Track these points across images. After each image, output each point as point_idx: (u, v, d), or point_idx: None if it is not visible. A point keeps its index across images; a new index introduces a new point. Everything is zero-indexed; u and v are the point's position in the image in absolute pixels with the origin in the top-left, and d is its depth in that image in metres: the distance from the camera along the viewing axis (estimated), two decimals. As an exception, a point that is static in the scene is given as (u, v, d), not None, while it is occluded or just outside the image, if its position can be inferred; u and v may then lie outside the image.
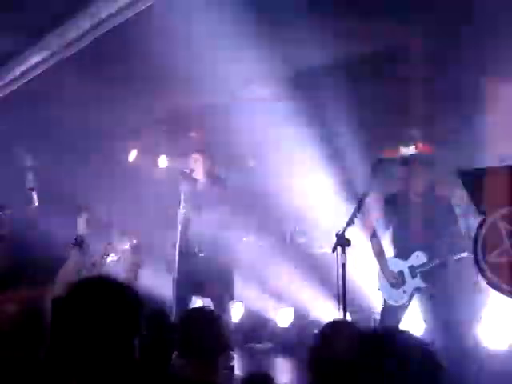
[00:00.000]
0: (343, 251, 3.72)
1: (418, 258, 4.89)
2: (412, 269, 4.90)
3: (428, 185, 4.92)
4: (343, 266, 3.70)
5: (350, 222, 3.90)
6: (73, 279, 3.25)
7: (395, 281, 4.93)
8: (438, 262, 4.77)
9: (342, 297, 3.62)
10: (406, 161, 5.09)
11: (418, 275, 4.87)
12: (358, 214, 3.98)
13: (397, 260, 5.04)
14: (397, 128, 7.30)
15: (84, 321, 1.56)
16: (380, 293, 5.18)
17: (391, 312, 5.03)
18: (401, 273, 4.96)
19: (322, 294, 7.17)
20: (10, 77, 5.53)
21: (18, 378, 2.12)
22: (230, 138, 8.45)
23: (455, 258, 4.82)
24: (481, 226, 2.94)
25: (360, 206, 4.00)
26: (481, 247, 2.91)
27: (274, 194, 8.97)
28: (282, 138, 8.46)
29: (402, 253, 5.00)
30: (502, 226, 2.82)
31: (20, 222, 6.88)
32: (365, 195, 4.04)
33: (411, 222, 4.92)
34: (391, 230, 5.10)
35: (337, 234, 3.82)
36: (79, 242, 3.45)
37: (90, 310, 1.57)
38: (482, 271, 2.91)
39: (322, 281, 7.32)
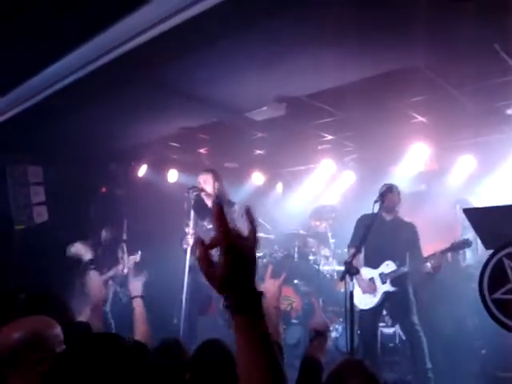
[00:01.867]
0: (351, 279, 3.77)
1: (388, 266, 5.76)
2: (382, 275, 5.76)
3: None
4: (351, 293, 3.74)
5: (358, 251, 3.94)
6: (101, 296, 3.41)
7: (369, 288, 5.78)
8: (405, 270, 5.63)
9: (350, 325, 3.66)
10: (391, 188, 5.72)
11: (388, 281, 5.72)
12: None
13: (368, 269, 5.89)
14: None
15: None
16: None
17: (367, 316, 5.81)
18: (371, 279, 5.83)
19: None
20: (30, 92, 5.60)
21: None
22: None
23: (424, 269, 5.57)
24: (487, 263, 2.98)
25: (367, 233, 4.04)
26: (487, 284, 2.95)
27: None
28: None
29: (373, 262, 5.87)
30: (508, 265, 2.86)
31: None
32: (372, 223, 4.08)
33: (383, 237, 5.68)
34: (364, 244, 5.48)
35: (345, 262, 3.88)
36: (93, 265, 3.57)
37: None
38: (487, 308, 2.94)
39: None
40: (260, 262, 7.74)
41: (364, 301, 5.81)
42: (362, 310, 5.78)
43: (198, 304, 5.91)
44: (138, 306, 3.62)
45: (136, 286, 3.73)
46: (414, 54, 4.74)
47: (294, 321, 7.47)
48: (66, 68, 5.02)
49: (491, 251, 3.09)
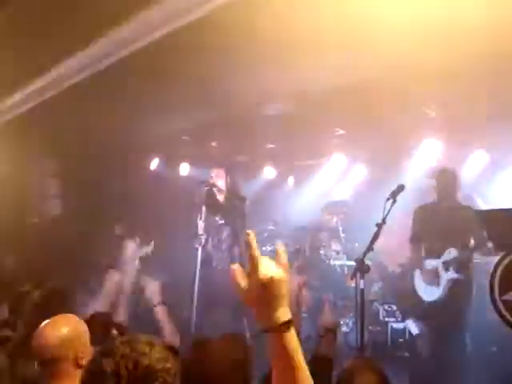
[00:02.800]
0: (362, 277, 3.79)
1: (451, 253, 5.41)
2: (445, 263, 5.44)
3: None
4: (362, 291, 3.77)
5: (369, 249, 3.96)
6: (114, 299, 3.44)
7: (432, 280, 5.52)
8: (468, 254, 5.36)
9: (361, 322, 3.69)
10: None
11: (451, 268, 5.39)
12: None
13: (430, 260, 5.61)
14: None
15: None
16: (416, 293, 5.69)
17: (434, 310, 5.51)
18: (436, 270, 5.53)
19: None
20: (42, 86, 5.66)
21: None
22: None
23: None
24: (498, 264, 2.99)
25: (379, 232, 4.05)
26: (497, 285, 2.97)
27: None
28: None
29: (435, 252, 5.57)
30: (518, 267, 2.88)
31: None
32: (384, 222, 4.09)
33: (442, 225, 5.50)
34: (424, 235, 5.71)
35: (356, 260, 3.90)
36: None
37: None
38: (497, 308, 2.96)
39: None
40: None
41: (429, 291, 5.62)
42: (429, 303, 5.62)
43: (209, 297, 5.95)
44: (162, 314, 3.59)
45: (154, 290, 3.71)
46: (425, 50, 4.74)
47: (304, 315, 7.50)
48: (83, 62, 5.07)
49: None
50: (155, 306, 3.66)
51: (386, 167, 7.79)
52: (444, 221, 5.53)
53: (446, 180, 5.63)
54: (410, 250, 5.94)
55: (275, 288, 1.36)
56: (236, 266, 1.41)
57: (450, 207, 5.61)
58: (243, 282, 1.39)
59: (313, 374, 2.56)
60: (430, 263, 5.62)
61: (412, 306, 6.20)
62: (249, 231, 1.41)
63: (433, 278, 5.57)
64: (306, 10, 4.00)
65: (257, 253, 1.38)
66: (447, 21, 4.20)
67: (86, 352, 2.47)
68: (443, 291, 5.47)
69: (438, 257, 5.54)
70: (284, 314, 1.37)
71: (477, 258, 5.61)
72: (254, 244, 1.39)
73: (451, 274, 5.43)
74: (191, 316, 5.61)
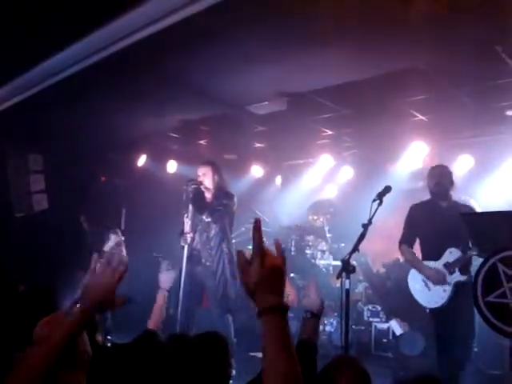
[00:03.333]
0: (347, 277, 3.81)
1: (452, 254, 5.00)
2: (448, 265, 5.00)
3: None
4: (347, 291, 3.79)
5: (355, 250, 3.98)
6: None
7: (439, 276, 4.98)
8: (473, 253, 4.78)
9: (345, 321, 3.71)
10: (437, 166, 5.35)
11: (456, 270, 4.95)
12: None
13: (428, 262, 5.14)
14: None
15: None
16: (416, 299, 5.24)
17: (439, 316, 5.05)
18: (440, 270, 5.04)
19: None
20: (29, 82, 5.62)
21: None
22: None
23: None
24: (482, 266, 3.03)
25: (365, 233, 4.07)
26: (480, 287, 3.00)
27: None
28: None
29: (432, 255, 5.13)
30: (501, 269, 2.91)
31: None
32: (370, 222, 4.11)
33: (440, 224, 5.08)
34: (419, 235, 5.29)
35: (342, 261, 3.92)
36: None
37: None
38: (480, 310, 2.99)
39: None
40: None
41: (434, 298, 5.05)
42: (431, 310, 5.16)
43: (194, 295, 5.94)
44: (161, 299, 3.62)
45: (167, 278, 3.73)
46: (415, 54, 4.78)
47: (290, 314, 7.52)
48: (68, 59, 5.03)
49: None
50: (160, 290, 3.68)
51: (373, 169, 7.85)
52: (442, 220, 5.11)
53: (440, 177, 5.20)
54: (402, 250, 5.38)
55: (275, 275, 1.49)
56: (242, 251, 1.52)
57: (448, 206, 5.17)
58: (247, 266, 1.51)
59: (299, 358, 2.58)
60: (429, 265, 5.13)
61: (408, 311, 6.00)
62: (258, 218, 1.55)
63: (440, 279, 5.02)
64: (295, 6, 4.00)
65: (263, 240, 1.50)
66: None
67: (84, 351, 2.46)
68: (449, 297, 4.96)
69: (437, 258, 5.09)
70: (276, 299, 1.47)
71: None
72: (261, 231, 1.51)
73: (458, 277, 4.95)
74: (176, 315, 5.60)
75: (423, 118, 6.65)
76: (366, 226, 4.09)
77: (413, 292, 5.26)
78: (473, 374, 5.50)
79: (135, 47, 4.59)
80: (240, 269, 1.51)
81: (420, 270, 5.16)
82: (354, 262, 3.98)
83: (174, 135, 8.09)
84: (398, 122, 6.82)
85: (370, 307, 6.81)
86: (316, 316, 2.91)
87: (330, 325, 6.90)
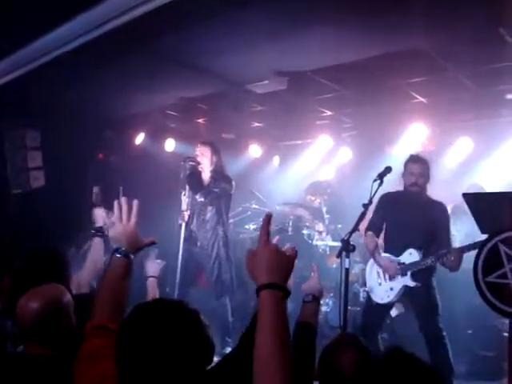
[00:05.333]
0: (347, 256, 3.82)
1: (411, 255, 4.80)
2: (402, 266, 4.81)
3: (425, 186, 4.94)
4: (347, 270, 3.80)
5: (355, 229, 3.98)
6: (100, 266, 3.43)
7: (395, 269, 4.80)
8: (429, 263, 4.64)
9: (344, 300, 3.73)
10: (418, 159, 4.99)
11: (408, 273, 4.76)
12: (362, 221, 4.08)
13: (388, 256, 4.96)
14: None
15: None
16: (366, 291, 5.27)
17: (375, 311, 5.05)
18: (396, 264, 4.86)
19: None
20: (26, 58, 5.56)
21: (41, 376, 2.23)
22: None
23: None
24: (483, 246, 3.04)
25: (365, 213, 4.08)
26: (481, 267, 3.01)
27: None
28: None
29: (394, 249, 4.93)
30: (502, 250, 2.92)
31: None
32: (370, 202, 4.12)
33: (409, 219, 4.86)
34: (385, 226, 5.10)
35: (342, 240, 3.92)
36: (101, 233, 3.58)
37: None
38: (480, 290, 3.01)
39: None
40: (254, 234, 7.80)
41: (380, 294, 4.96)
42: (369, 300, 5.12)
43: (190, 275, 5.97)
44: (153, 287, 3.65)
45: (154, 267, 3.76)
46: (416, 34, 4.73)
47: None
48: (66, 35, 4.98)
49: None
50: (148, 278, 3.71)
51: (372, 150, 7.83)
52: (411, 216, 4.85)
53: (419, 177, 4.87)
54: (366, 237, 5.13)
55: (276, 257, 1.61)
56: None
57: (420, 203, 4.90)
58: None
59: (298, 340, 2.59)
60: (389, 260, 4.93)
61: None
62: (269, 213, 1.73)
63: (386, 278, 4.92)
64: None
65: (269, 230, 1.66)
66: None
67: (68, 323, 2.47)
68: (394, 297, 4.88)
69: (397, 255, 4.89)
70: (273, 278, 1.55)
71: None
72: (270, 223, 1.67)
73: (407, 281, 4.78)
74: (173, 293, 5.63)
75: (423, 99, 6.63)
76: (366, 206, 4.10)
77: (367, 282, 5.21)
78: (466, 355, 5.56)
79: (134, 23, 4.54)
80: (248, 265, 1.62)
81: (376, 260, 4.99)
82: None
83: (173, 113, 8.05)
84: (398, 104, 6.81)
85: (366, 288, 6.82)
86: (317, 299, 2.91)
87: (325, 305, 6.92)
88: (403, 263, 4.83)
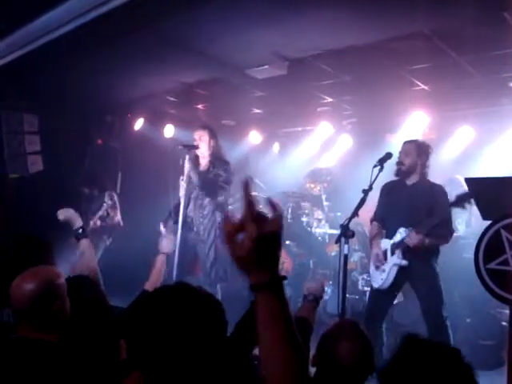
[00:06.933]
0: (346, 242, 3.79)
1: (400, 234, 4.82)
2: (393, 246, 4.85)
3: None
4: (346, 256, 3.77)
5: (354, 214, 3.95)
6: (94, 265, 3.40)
7: (378, 258, 4.90)
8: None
9: (343, 287, 3.70)
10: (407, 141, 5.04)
11: (397, 252, 4.79)
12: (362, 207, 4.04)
13: (384, 240, 5.02)
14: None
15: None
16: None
17: (374, 298, 5.09)
18: (385, 252, 4.94)
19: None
20: (24, 39, 5.49)
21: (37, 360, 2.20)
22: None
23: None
24: (484, 233, 2.99)
25: (365, 198, 4.04)
26: (482, 254, 2.97)
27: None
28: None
29: (391, 233, 4.95)
30: (505, 236, 2.87)
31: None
32: (370, 188, 4.08)
33: (405, 203, 4.90)
34: (386, 214, 5.11)
35: (341, 226, 3.89)
36: (85, 232, 3.54)
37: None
38: (481, 277, 2.97)
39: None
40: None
41: (375, 278, 4.97)
42: (374, 289, 5.07)
43: (186, 262, 5.92)
44: (162, 263, 3.69)
45: (168, 243, 3.80)
46: (418, 19, 4.65)
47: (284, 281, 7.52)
48: (64, 15, 4.91)
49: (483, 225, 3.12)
50: (160, 254, 3.75)
51: (372, 138, 7.78)
52: (402, 198, 4.93)
53: (402, 155, 4.91)
54: (371, 226, 5.26)
55: (269, 245, 1.32)
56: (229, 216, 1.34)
57: (413, 184, 4.94)
58: (235, 234, 1.33)
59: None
60: (384, 243, 4.99)
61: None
62: (247, 178, 1.37)
63: (378, 261, 4.94)
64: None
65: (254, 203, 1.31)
66: None
67: (62, 305, 2.44)
68: (387, 278, 4.85)
69: (391, 237, 4.93)
70: (270, 274, 1.33)
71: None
72: (251, 193, 1.33)
73: (396, 259, 4.80)
74: (170, 280, 5.59)
75: (425, 87, 6.56)
76: (366, 192, 4.07)
77: (370, 268, 5.21)
78: (465, 344, 5.54)
79: (134, 5, 4.48)
80: (227, 239, 1.31)
81: (371, 248, 5.10)
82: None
83: (172, 99, 7.98)
84: (399, 91, 6.72)
85: (364, 276, 6.81)
86: (317, 300, 3.04)
87: (324, 293, 6.90)
88: (394, 243, 4.86)
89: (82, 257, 3.45)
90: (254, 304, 1.35)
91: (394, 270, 4.80)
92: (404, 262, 4.75)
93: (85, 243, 3.49)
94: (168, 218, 5.93)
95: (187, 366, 1.44)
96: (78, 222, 3.55)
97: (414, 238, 4.62)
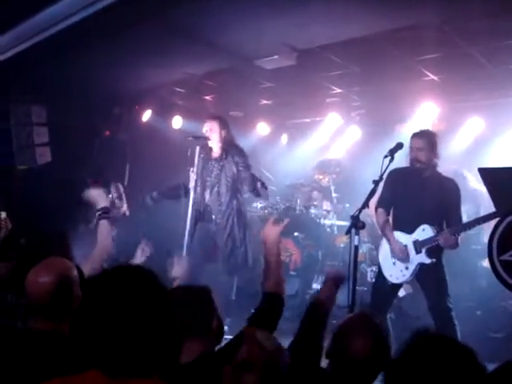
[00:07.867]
0: (357, 233, 3.76)
1: (425, 231, 4.70)
2: (417, 243, 4.74)
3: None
4: (356, 248, 3.75)
5: (365, 205, 3.91)
6: (109, 248, 3.39)
7: (402, 254, 4.76)
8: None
9: (353, 278, 3.68)
10: (418, 134, 4.89)
11: (423, 250, 4.69)
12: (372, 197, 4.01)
13: (400, 234, 4.87)
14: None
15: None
16: (378, 269, 5.17)
17: (386, 291, 4.97)
18: (405, 247, 4.80)
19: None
20: (33, 31, 5.48)
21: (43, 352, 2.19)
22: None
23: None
24: (498, 224, 2.96)
25: (375, 189, 4.01)
26: (496, 245, 2.94)
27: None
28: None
29: (406, 226, 4.83)
30: (519, 227, 2.85)
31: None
32: (381, 179, 4.05)
33: (419, 195, 4.78)
34: (396, 203, 5.00)
35: (352, 217, 3.86)
36: (107, 214, 3.53)
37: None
38: (494, 268, 2.94)
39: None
40: (261, 213, 7.75)
41: (395, 273, 4.85)
42: (379, 278, 5.02)
43: (205, 251, 5.90)
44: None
45: (179, 269, 3.74)
46: (428, 8, 4.59)
47: (293, 273, 7.52)
48: (71, 7, 4.89)
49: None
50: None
51: (381, 129, 7.73)
52: (421, 191, 4.78)
53: (418, 152, 4.78)
54: (377, 214, 5.04)
55: None
56: None
57: (429, 177, 4.81)
58: None
59: (310, 316, 2.65)
60: (399, 237, 4.86)
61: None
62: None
63: (403, 255, 4.79)
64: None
65: None
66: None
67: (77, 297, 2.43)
68: (410, 276, 4.77)
69: (410, 232, 4.80)
70: None
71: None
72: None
73: (422, 258, 4.70)
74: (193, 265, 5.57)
75: (435, 77, 6.50)
76: (376, 182, 4.02)
77: (380, 260, 5.08)
78: (474, 336, 5.51)
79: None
80: None
81: (388, 240, 4.93)
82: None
83: (180, 90, 7.96)
84: (408, 82, 6.67)
85: (373, 268, 6.77)
86: (336, 285, 3.11)
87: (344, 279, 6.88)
88: (417, 240, 4.75)
89: (100, 238, 3.44)
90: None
91: (418, 268, 4.75)
92: (431, 261, 4.68)
93: (103, 224, 3.48)
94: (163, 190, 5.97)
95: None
96: (103, 203, 3.54)
97: (450, 240, 4.54)
